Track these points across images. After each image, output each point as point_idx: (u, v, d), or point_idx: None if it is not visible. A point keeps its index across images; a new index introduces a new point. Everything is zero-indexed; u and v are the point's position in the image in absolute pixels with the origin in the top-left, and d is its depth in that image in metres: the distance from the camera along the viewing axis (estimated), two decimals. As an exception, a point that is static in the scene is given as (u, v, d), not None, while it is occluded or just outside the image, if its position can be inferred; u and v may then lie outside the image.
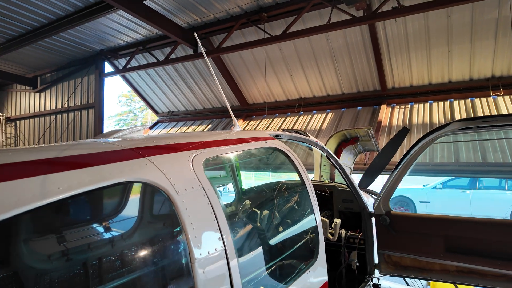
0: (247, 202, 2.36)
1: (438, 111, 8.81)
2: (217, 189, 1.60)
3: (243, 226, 2.09)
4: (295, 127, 10.57)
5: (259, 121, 11.78)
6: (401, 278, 5.23)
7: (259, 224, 2.22)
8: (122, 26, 10.52)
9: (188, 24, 9.94)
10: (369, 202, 3.88)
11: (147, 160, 1.40)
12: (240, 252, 1.70)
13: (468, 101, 8.73)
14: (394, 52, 8.94)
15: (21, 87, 16.14)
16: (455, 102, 8.81)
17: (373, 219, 3.62)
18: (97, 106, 13.06)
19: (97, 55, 12.75)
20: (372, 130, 5.03)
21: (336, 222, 3.38)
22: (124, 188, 1.40)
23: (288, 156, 2.36)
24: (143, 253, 1.42)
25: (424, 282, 5.81)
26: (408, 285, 5.19)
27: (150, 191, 1.42)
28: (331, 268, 3.92)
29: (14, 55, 12.49)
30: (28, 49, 12.09)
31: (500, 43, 7.81)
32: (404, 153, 3.32)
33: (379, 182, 5.71)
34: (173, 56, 11.10)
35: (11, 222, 0.95)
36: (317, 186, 4.26)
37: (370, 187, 5.52)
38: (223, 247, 1.43)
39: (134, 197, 1.49)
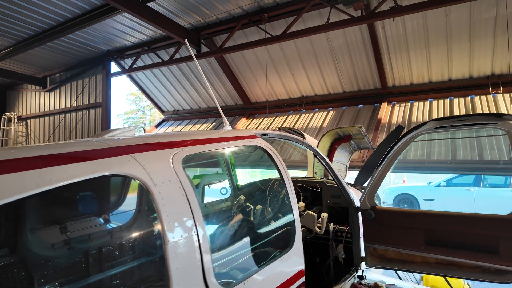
0: (227, 194, 2.56)
1: (438, 109, 8.89)
2: (197, 182, 1.80)
3: (218, 215, 2.29)
4: (296, 125, 10.74)
5: (261, 119, 11.97)
6: (394, 272, 5.40)
7: (235, 215, 2.42)
8: (127, 28, 10.79)
9: (191, 25, 10.17)
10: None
11: (130, 157, 1.61)
12: (212, 238, 1.91)
13: (468, 99, 8.79)
14: (394, 51, 9.04)
15: (32, 87, 16.60)
16: (455, 100, 8.88)
17: (359, 213, 3.80)
18: (104, 105, 13.40)
19: (104, 55, 13.07)
20: (363, 128, 5.19)
21: (323, 216, 3.57)
22: (110, 180, 1.61)
23: (269, 154, 2.55)
24: (123, 236, 1.64)
25: (417, 275, 5.96)
26: (400, 278, 5.35)
27: (132, 183, 1.63)
28: (320, 261, 4.13)
29: (25, 56, 12.87)
30: (38, 50, 12.44)
31: (499, 41, 7.86)
32: (386, 151, 3.49)
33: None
34: (177, 56, 11.35)
35: (14, 207, 1.17)
36: (308, 182, 4.45)
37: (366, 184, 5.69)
38: (196, 232, 1.64)
39: (119, 188, 1.71)
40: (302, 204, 3.69)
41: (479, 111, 8.22)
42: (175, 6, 9.11)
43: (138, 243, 1.65)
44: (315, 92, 11.16)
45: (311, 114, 11.01)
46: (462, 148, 7.31)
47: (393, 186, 17.47)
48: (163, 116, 15.60)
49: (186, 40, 3.50)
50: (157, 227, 1.54)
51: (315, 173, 5.40)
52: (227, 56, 11.27)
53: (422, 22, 8.18)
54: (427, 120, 8.74)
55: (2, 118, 17.35)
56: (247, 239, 2.37)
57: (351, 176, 8.32)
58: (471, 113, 8.26)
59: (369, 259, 3.74)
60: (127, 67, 13.20)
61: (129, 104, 49.03)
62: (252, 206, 2.66)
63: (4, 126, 17.24)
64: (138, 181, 1.53)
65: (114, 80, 13.44)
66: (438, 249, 3.25)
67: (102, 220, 1.58)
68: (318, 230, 3.54)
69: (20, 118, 17.50)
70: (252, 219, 2.62)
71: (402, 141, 3.33)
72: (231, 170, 3.26)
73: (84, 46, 12.39)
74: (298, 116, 11.20)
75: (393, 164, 3.49)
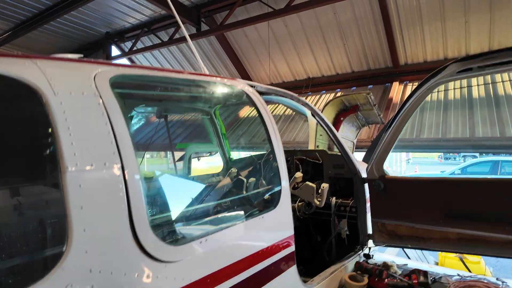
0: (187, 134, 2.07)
1: (454, 87, 8.23)
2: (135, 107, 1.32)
3: (174, 156, 1.80)
4: (302, 108, 10.20)
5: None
6: (405, 256, 4.89)
7: (197, 158, 1.94)
8: (126, 7, 10.37)
9: (191, 1, 9.66)
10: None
11: (30, 61, 1.16)
12: (154, 177, 1.44)
13: (488, 76, 8.10)
14: (406, 25, 8.39)
15: (35, 75, 16.43)
16: (474, 78, 8.20)
17: (366, 185, 3.29)
18: (105, 91, 13.07)
19: (104, 38, 12.70)
20: (372, 95, 4.62)
21: (323, 187, 3.07)
22: None
23: (250, 98, 2.06)
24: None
25: (431, 260, 5.43)
26: (409, 258, 4.81)
27: (16, 88, 1.15)
28: (322, 239, 3.64)
29: (25, 40, 12.58)
30: (38, 34, 12.15)
31: (524, 10, 7.17)
32: (398, 108, 2.96)
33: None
34: (177, 36, 10.88)
35: None
36: (308, 153, 3.95)
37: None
38: (120, 163, 1.17)
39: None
40: (299, 174, 3.18)
41: (501, 89, 7.53)
42: (172, -20, 8.62)
43: (18, 171, 1.19)
44: (322, 73, 10.57)
45: (318, 96, 10.45)
46: (482, 125, 6.69)
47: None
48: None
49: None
50: (51, 148, 1.08)
51: (317, 146, 4.88)
52: (228, 35, 10.73)
53: (437, -9, 7.52)
54: (442, 99, 8.14)
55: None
56: (210, 187, 1.89)
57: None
58: (492, 91, 7.59)
59: (377, 236, 3.24)
60: (127, 50, 12.79)
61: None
62: (219, 149, 2.18)
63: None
64: (26, 85, 1.07)
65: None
66: (460, 222, 2.72)
67: None
68: (318, 203, 3.04)
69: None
70: (220, 164, 2.13)
71: (417, 93, 2.79)
72: (204, 110, 2.73)
73: (84, 28, 12.05)
74: (304, 98, 10.63)
75: (406, 122, 2.96)
